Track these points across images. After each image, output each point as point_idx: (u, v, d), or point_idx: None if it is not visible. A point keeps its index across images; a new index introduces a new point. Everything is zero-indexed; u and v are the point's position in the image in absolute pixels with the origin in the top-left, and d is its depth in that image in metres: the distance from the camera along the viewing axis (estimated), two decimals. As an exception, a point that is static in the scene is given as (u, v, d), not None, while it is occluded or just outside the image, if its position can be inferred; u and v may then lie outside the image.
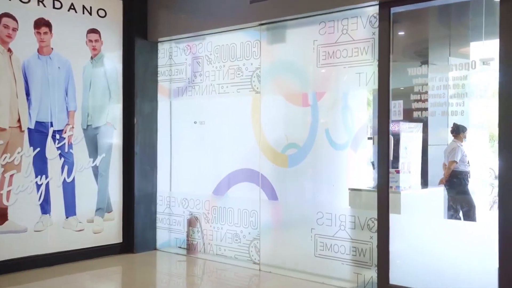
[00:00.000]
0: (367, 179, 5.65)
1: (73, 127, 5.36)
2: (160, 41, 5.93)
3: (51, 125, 5.18)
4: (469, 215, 6.50)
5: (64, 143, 5.28)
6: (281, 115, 5.10)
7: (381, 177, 4.25)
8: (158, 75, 5.99)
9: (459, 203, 6.33)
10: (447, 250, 4.23)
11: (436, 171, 7.00)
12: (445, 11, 5.93)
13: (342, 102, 4.86)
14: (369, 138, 5.06)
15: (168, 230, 5.93)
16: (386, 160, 4.23)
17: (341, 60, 4.54)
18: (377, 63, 4.27)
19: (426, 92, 4.61)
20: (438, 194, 5.61)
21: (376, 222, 4.30)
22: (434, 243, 4.30)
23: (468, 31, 5.80)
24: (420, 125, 6.46)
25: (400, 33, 4.85)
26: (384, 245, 4.20)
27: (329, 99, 4.81)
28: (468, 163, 6.77)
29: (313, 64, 4.73)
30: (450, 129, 6.93)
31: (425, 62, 5.28)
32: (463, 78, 4.18)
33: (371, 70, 4.36)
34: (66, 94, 5.31)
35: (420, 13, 5.53)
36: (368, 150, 5.61)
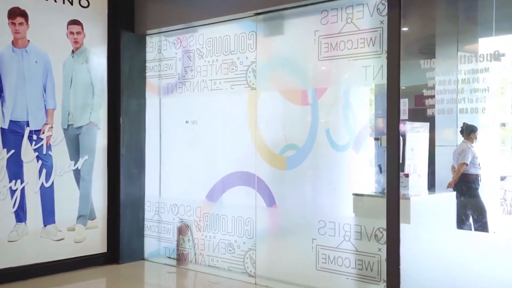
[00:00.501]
0: (370, 182, 5.39)
1: (52, 127, 4.92)
2: (149, 34, 5.50)
3: (27, 125, 4.75)
4: (481, 222, 6.15)
5: (42, 145, 4.85)
6: (279, 114, 4.72)
7: (390, 182, 3.83)
8: (146, 70, 5.56)
9: (469, 208, 5.96)
10: (464, 264, 3.84)
11: (443, 174, 6.63)
12: (452, 5, 5.67)
13: (344, 100, 4.52)
14: (375, 139, 4.69)
15: (157, 238, 5.49)
16: (395, 163, 3.81)
17: (345, 52, 4.12)
18: (385, 55, 3.85)
19: (434, 88, 4.33)
20: (450, 200, 5.21)
21: (384, 232, 3.87)
22: (449, 256, 3.90)
23: (476, 26, 5.57)
24: (427, 124, 6.10)
25: (404, 29, 4.54)
26: (394, 258, 3.78)
27: (330, 97, 4.44)
28: (479, 165, 6.40)
29: (314, 58, 4.31)
30: (459, 129, 6.56)
31: (431, 59, 4.99)
32: (484, 70, 3.80)
33: (379, 63, 3.94)
34: (45, 91, 4.88)
35: (426, 8, 5.22)
36: (370, 151, 5.38)
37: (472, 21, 6.07)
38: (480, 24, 5.53)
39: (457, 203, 5.31)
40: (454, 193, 5.44)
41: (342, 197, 4.54)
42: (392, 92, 3.78)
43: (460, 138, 6.66)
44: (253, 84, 4.71)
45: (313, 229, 4.30)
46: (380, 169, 4.49)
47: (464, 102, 4.08)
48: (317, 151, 4.46)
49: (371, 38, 3.97)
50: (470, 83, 3.90)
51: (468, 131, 6.34)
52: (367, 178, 5.28)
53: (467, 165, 6.20)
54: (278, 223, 4.75)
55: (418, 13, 4.99)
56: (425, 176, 5.73)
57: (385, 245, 3.86)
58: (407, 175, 5.02)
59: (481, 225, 6.04)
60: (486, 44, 4.44)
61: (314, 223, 4.31)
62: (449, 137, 7.00)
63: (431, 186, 6.01)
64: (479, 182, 6.31)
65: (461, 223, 5.42)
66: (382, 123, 6.90)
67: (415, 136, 5.80)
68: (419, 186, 5.16)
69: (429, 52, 5.43)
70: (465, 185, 6.19)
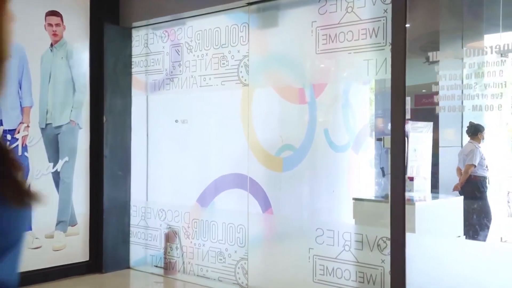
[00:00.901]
0: (372, 185, 5.14)
1: (28, 126, 4.56)
2: (135, 27, 5.14)
3: (1, 124, 4.39)
4: (487, 228, 5.84)
5: (17, 145, 4.49)
6: (275, 112, 4.41)
7: (395, 187, 3.47)
8: (132, 66, 5.20)
9: (476, 213, 5.63)
10: (474, 276, 3.50)
11: (447, 176, 6.32)
12: (457, 0, 5.49)
13: (343, 98, 4.24)
14: (378, 139, 4.37)
15: (144, 246, 5.13)
16: (401, 166, 3.46)
17: (345, 44, 3.77)
18: (389, 47, 3.51)
19: (437, 87, 4.06)
20: (457, 205, 4.87)
21: (388, 242, 3.52)
22: (458, 268, 3.56)
23: (482, 22, 5.34)
24: (430, 124, 5.84)
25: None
26: (399, 271, 3.43)
27: (329, 95, 4.15)
28: (487, 167, 6.08)
29: (311, 51, 3.97)
30: (465, 129, 6.27)
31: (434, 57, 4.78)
32: (491, 69, 3.49)
33: (382, 56, 3.59)
34: (20, 87, 4.52)
35: (428, 3, 4.99)
36: (371, 152, 5.14)
37: (477, 17, 5.80)
38: (486, 20, 5.29)
39: (465, 209, 4.98)
40: (461, 197, 5.12)
41: (341, 202, 4.26)
42: (397, 88, 3.43)
43: (465, 138, 6.33)
44: (245, 80, 4.36)
45: (310, 237, 3.96)
46: (383, 172, 4.16)
47: (469, 99, 3.76)
48: (315, 152, 4.16)
49: (373, 29, 3.63)
50: (476, 82, 3.59)
51: (475, 131, 6.03)
52: (368, 180, 5.02)
53: (475, 166, 5.88)
54: (272, 230, 4.41)
55: (420, 8, 4.76)
56: (428, 180, 5.41)
57: (389, 256, 3.51)
58: (411, 179, 4.69)
59: (487, 232, 5.71)
60: (492, 41, 4.16)
61: (311, 230, 3.97)
62: (452, 137, 6.69)
63: (434, 188, 5.70)
64: (487, 185, 5.99)
65: (469, 230, 5.09)
66: (382, 123, 6.61)
67: (418, 136, 5.49)
68: (425, 190, 4.84)
69: (431, 50, 5.26)
70: (472, 188, 5.88)
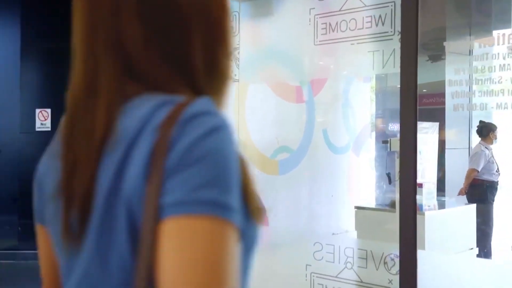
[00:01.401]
0: (374, 190, 4.80)
1: None
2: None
3: None
4: (487, 238, 5.45)
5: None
6: (270, 111, 4.04)
7: (404, 197, 3.04)
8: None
9: (479, 220, 5.22)
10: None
11: (454, 181, 5.96)
12: None
13: (343, 96, 3.93)
14: (383, 142, 4.01)
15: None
16: (411, 173, 3.03)
17: (347, 34, 3.37)
18: (398, 36, 3.09)
19: (441, 87, 3.76)
20: (470, 214, 4.48)
21: (397, 259, 3.11)
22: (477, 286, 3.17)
23: (490, 18, 5.10)
24: (436, 125, 5.46)
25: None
26: (409, 293, 3.02)
27: (328, 91, 3.78)
28: (497, 171, 5.67)
29: (309, 42, 3.57)
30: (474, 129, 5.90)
31: (436, 57, 4.52)
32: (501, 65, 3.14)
33: (390, 47, 3.18)
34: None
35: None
36: (372, 154, 4.79)
37: (486, 13, 5.53)
38: (495, 16, 5.04)
39: (477, 218, 4.59)
40: (474, 205, 4.72)
41: (341, 209, 3.92)
42: (407, 83, 3.00)
43: (474, 139, 5.96)
44: (235, 75, 3.96)
45: (308, 252, 3.56)
46: (390, 178, 3.76)
47: (478, 97, 3.39)
48: (313, 154, 3.79)
49: (380, 16, 3.22)
50: (485, 79, 3.22)
51: (486, 130, 5.66)
52: (370, 185, 4.69)
53: (478, 171, 5.49)
54: (266, 242, 4.01)
55: (425, 4, 4.46)
56: (435, 185, 5.05)
57: (397, 276, 3.10)
58: (420, 185, 4.29)
59: (489, 241, 5.36)
60: (501, 37, 3.86)
61: (309, 244, 3.57)
62: (459, 138, 6.30)
63: (440, 191, 5.34)
64: (494, 191, 5.60)
65: (480, 242, 4.70)
66: (382, 123, 6.20)
67: (422, 137, 5.12)
68: (434, 198, 4.44)
69: (436, 48, 5.00)
70: (477, 193, 5.51)
